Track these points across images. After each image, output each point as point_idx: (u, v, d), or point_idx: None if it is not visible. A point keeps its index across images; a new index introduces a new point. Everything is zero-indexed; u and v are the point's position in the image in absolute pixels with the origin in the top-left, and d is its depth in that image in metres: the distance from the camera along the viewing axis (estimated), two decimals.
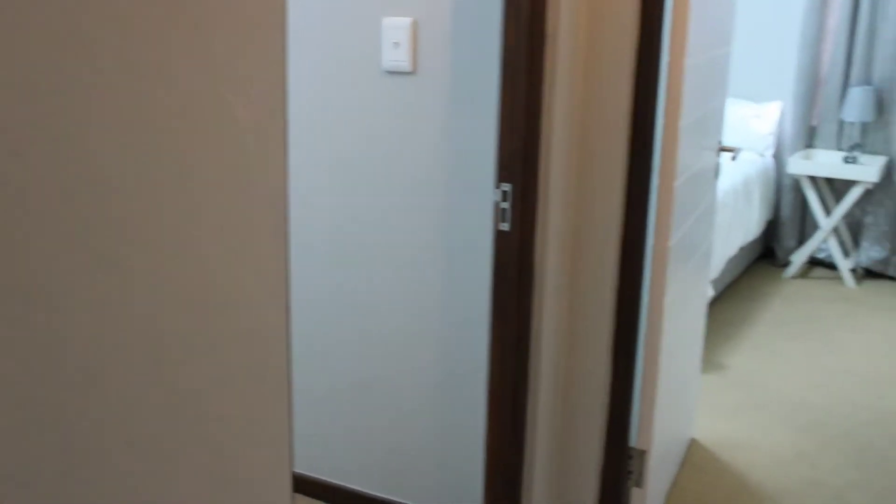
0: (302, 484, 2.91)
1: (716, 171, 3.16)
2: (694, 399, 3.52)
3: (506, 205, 2.30)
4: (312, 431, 2.89)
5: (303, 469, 2.92)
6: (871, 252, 5.73)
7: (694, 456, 3.44)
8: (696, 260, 3.07)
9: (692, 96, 2.58)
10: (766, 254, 6.10)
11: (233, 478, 1.13)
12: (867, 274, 5.82)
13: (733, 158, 3.12)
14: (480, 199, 2.49)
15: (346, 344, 2.76)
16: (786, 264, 5.88)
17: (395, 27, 2.50)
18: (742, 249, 5.38)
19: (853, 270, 5.70)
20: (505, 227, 2.31)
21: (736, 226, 5.04)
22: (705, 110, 2.83)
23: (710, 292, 4.31)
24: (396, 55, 2.51)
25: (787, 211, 5.89)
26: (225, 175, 1.06)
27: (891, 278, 5.75)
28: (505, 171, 2.29)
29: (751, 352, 4.49)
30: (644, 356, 2.67)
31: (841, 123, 5.77)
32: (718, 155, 3.16)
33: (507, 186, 2.28)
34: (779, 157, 5.94)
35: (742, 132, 5.75)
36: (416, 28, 2.47)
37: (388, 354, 2.71)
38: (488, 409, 2.43)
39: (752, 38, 5.86)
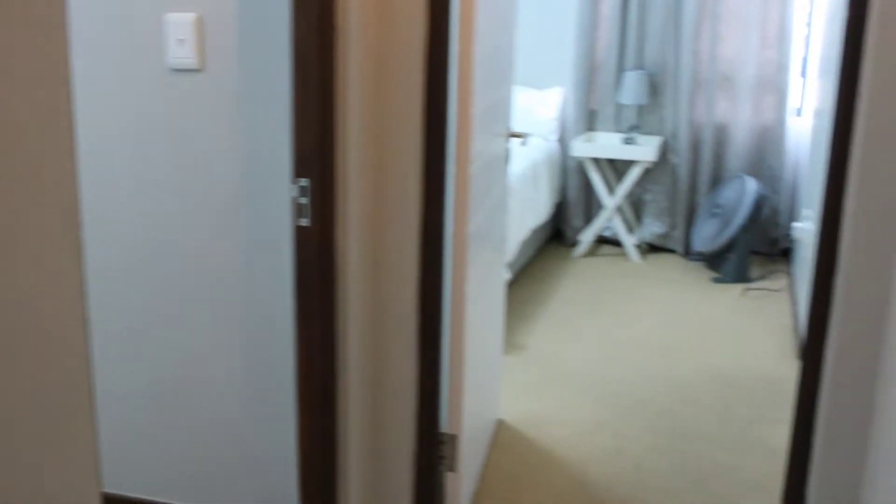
0: (110, 503, 2.80)
1: (507, 157, 3.24)
2: (498, 381, 3.61)
3: (304, 200, 2.28)
4: (114, 446, 2.78)
5: (110, 488, 2.81)
6: (652, 227, 6.02)
7: (502, 435, 3.52)
8: (493, 244, 3.14)
9: (482, 84, 2.63)
10: (555, 235, 6.32)
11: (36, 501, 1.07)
12: (650, 248, 6.12)
13: (523, 143, 3.21)
14: (279, 195, 2.45)
15: (146, 353, 2.67)
16: (575, 244, 6.10)
17: (179, 23, 2.42)
18: (534, 232, 5.54)
19: (637, 246, 5.97)
20: (304, 222, 2.29)
21: (527, 209, 5.18)
22: (495, 98, 2.89)
23: (507, 275, 4.41)
24: (182, 52, 2.44)
25: (573, 193, 6.12)
26: (8, 180, 1.00)
27: (671, 251, 6.06)
28: (302, 165, 2.27)
29: (548, 331, 4.63)
30: (449, 343, 2.71)
31: (618, 107, 6.03)
32: (508, 141, 3.24)
33: (304, 181, 2.26)
34: (563, 142, 6.16)
35: (527, 118, 5.91)
36: (200, 24, 2.41)
37: (191, 361, 2.64)
38: (298, 408, 2.41)
39: (532, 27, 6.04)
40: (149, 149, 2.51)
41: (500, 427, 3.60)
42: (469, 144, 2.50)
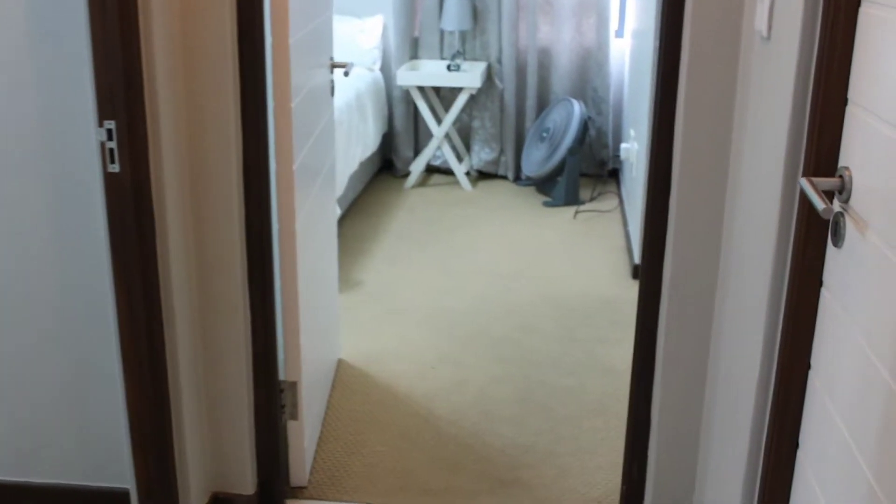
0: None
1: (331, 89, 3.10)
2: (336, 320, 3.50)
3: (112, 144, 2.09)
4: None
5: None
6: (481, 154, 5.99)
7: (343, 376, 3.43)
8: (322, 180, 3.01)
9: (299, 10, 2.47)
10: (385, 166, 6.20)
11: None
12: (481, 175, 6.08)
13: (346, 74, 3.07)
14: (86, 140, 2.25)
15: None
16: (405, 175, 6.00)
17: None
18: (362, 164, 5.41)
19: (468, 174, 5.92)
20: (114, 168, 2.10)
21: (354, 141, 5.04)
22: (314, 26, 2.74)
23: (338, 211, 4.29)
24: None
25: (400, 122, 6.00)
26: None
27: (502, 177, 6.04)
28: (106, 106, 2.07)
29: (383, 265, 4.54)
30: (282, 286, 2.58)
31: (442, 33, 5.92)
32: (331, 72, 3.09)
33: (111, 124, 2.07)
34: (386, 71, 6.02)
35: (348, 48, 5.73)
36: None
37: (2, 326, 2.42)
38: (123, 366, 2.24)
39: None
40: None
41: (341, 367, 3.50)
42: (288, 76, 2.35)
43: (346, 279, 4.32)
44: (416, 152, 6.09)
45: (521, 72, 5.90)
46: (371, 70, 5.82)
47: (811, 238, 1.58)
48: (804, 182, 1.47)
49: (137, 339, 2.22)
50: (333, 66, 3.11)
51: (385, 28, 6.00)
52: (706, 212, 2.24)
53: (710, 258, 2.27)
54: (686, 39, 2.15)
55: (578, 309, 4.04)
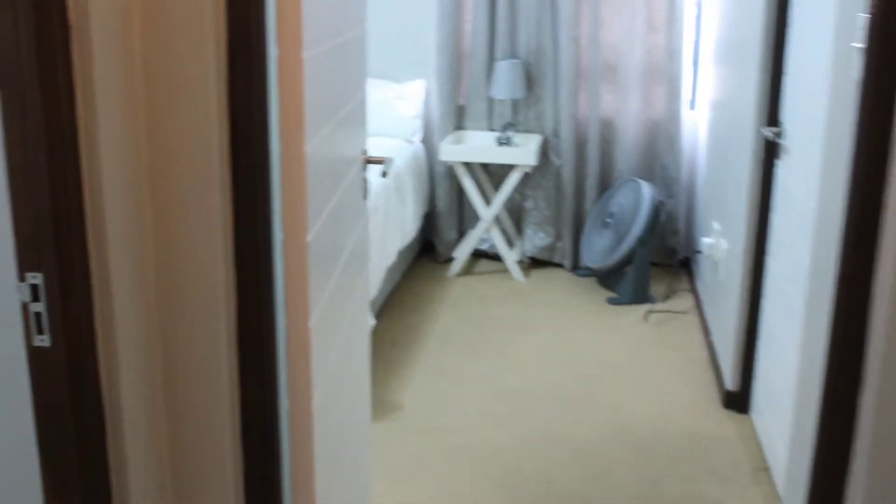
0: None
1: (364, 192, 2.41)
2: (367, 459, 2.76)
3: (39, 306, 1.40)
4: None
5: None
6: (535, 239, 5.28)
7: None
8: (354, 305, 2.30)
9: (319, 101, 1.79)
10: (424, 249, 5.50)
11: None
12: (534, 263, 5.37)
13: (384, 174, 2.39)
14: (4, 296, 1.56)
15: None
16: (448, 260, 5.31)
17: None
18: (400, 254, 4.72)
19: (519, 262, 5.21)
20: (43, 341, 1.42)
21: (392, 229, 4.36)
22: (341, 115, 2.06)
23: (372, 321, 3.59)
24: None
25: (443, 201, 5.31)
26: None
27: (557, 265, 5.32)
28: (29, 251, 1.39)
29: (424, 381, 3.83)
30: (291, 438, 1.87)
31: (491, 101, 5.25)
32: (365, 169, 2.41)
33: (36, 277, 1.39)
34: (428, 143, 5.34)
35: (386, 116, 5.07)
36: None
37: None
38: None
39: (385, 7, 5.14)
40: None
41: None
42: (304, 201, 1.66)
43: (379, 400, 3.60)
44: (461, 234, 5.39)
45: (580, 146, 5.20)
46: (411, 142, 5.15)
47: None
48: None
49: None
50: (368, 161, 2.43)
51: (427, 95, 5.34)
52: None
53: None
54: None
55: (660, 450, 3.30)
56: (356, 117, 2.27)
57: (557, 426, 3.47)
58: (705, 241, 4.20)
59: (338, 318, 2.04)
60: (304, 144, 1.61)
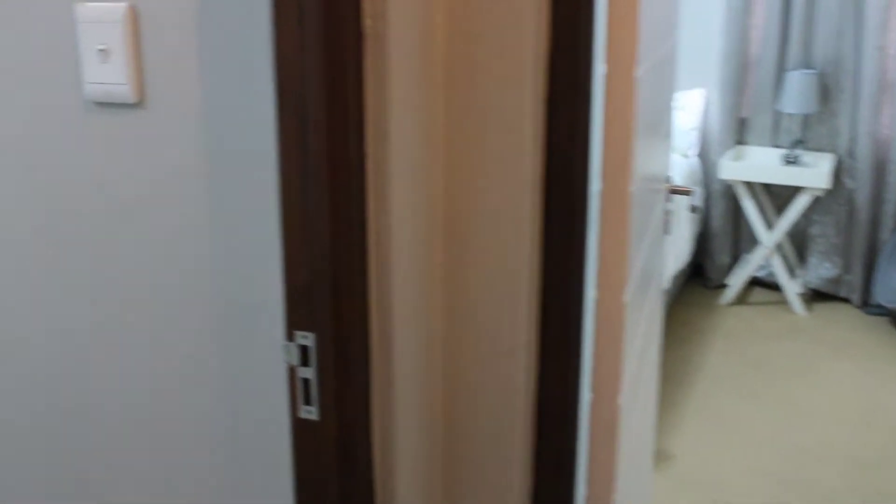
0: None
1: (666, 227, 2.07)
2: None
3: (308, 372, 1.16)
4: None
5: None
6: (819, 270, 4.75)
7: None
8: (650, 358, 1.97)
9: (643, 129, 1.47)
10: (694, 272, 5.07)
11: None
12: (816, 296, 4.83)
13: (693, 210, 2.04)
14: (267, 347, 1.32)
15: None
16: (719, 286, 4.86)
17: (99, 20, 1.32)
18: (675, 278, 4.33)
19: (801, 294, 4.70)
20: (311, 413, 1.17)
21: (668, 253, 3.98)
22: (654, 145, 1.73)
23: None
24: (105, 72, 1.33)
25: (718, 222, 4.86)
26: None
27: (844, 300, 4.77)
28: (301, 306, 1.15)
29: (698, 428, 3.44)
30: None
31: (777, 115, 4.77)
32: (670, 200, 2.07)
33: (307, 337, 1.14)
34: (705, 157, 4.91)
35: None
36: (135, 19, 1.30)
37: None
38: None
39: None
40: (53, 238, 1.41)
41: None
42: (622, 251, 1.34)
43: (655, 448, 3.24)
44: (735, 259, 4.93)
45: (879, 169, 4.62)
46: (686, 157, 4.74)
47: None
48: None
49: None
50: (672, 191, 2.09)
51: (707, 105, 4.91)
52: None
53: None
54: None
55: None
56: (665, 141, 1.94)
57: (857, 498, 3.00)
58: None
59: (639, 385, 1.72)
60: (629, 182, 1.30)
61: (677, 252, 4.26)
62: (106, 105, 1.35)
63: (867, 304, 4.66)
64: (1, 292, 1.45)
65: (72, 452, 1.46)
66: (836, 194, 4.66)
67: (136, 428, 1.40)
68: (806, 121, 4.71)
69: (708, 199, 4.88)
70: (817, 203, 4.69)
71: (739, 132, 4.87)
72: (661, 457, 3.21)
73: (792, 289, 4.62)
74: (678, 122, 4.78)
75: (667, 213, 2.06)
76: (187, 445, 1.37)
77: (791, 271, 4.81)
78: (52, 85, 1.36)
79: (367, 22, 1.08)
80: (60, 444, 1.47)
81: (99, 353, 1.39)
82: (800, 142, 4.62)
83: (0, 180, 1.41)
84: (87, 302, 1.38)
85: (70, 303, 1.40)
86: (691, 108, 4.81)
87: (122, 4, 1.30)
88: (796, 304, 4.60)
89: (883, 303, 4.40)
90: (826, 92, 4.62)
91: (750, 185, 4.67)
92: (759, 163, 4.65)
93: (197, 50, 1.24)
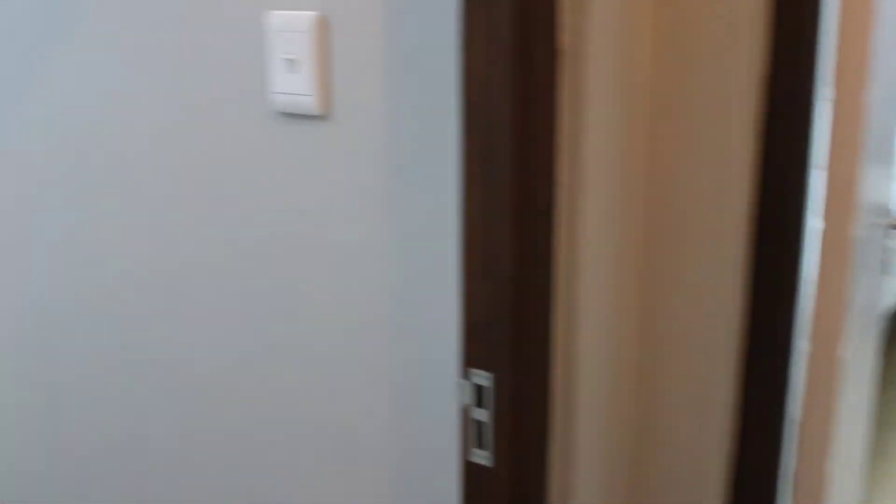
0: None
1: (884, 267, 1.88)
2: None
3: (483, 414, 1.07)
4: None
5: None
6: None
7: None
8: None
9: (869, 161, 1.31)
10: None
11: None
12: None
13: None
14: (440, 383, 1.24)
15: None
16: None
17: (288, 29, 1.28)
18: (892, 317, 4.02)
19: None
20: (483, 458, 1.08)
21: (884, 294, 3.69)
22: (875, 174, 1.56)
23: None
24: (292, 82, 1.28)
25: None
26: None
27: None
28: (479, 343, 1.06)
29: None
30: None
31: None
32: (890, 236, 1.88)
33: (483, 376, 1.06)
34: None
35: None
36: (324, 29, 1.24)
37: None
38: None
39: None
40: (232, 263, 1.38)
41: None
42: (841, 300, 1.19)
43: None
44: None
45: None
46: None
47: None
48: None
49: None
50: (894, 227, 1.89)
51: None
52: None
53: None
54: None
55: None
56: (886, 168, 1.76)
57: None
58: None
59: (852, 446, 1.55)
60: (852, 223, 1.15)
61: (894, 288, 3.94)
62: (291, 116, 1.31)
63: None
64: (180, 303, 1.43)
65: (237, 473, 1.43)
66: None
67: (299, 447, 1.35)
68: None
69: None
70: None
71: None
72: None
73: None
74: None
75: (885, 250, 1.86)
76: (350, 467, 1.31)
77: None
78: (239, 93, 1.33)
79: (564, 38, 0.98)
80: (224, 463, 1.44)
81: (271, 371, 1.35)
82: None
83: (186, 184, 1.40)
84: (265, 315, 1.34)
85: (246, 315, 1.36)
86: None
87: (312, 13, 1.25)
88: None
89: None
90: None
91: None
92: None
93: (382, 62, 1.17)
